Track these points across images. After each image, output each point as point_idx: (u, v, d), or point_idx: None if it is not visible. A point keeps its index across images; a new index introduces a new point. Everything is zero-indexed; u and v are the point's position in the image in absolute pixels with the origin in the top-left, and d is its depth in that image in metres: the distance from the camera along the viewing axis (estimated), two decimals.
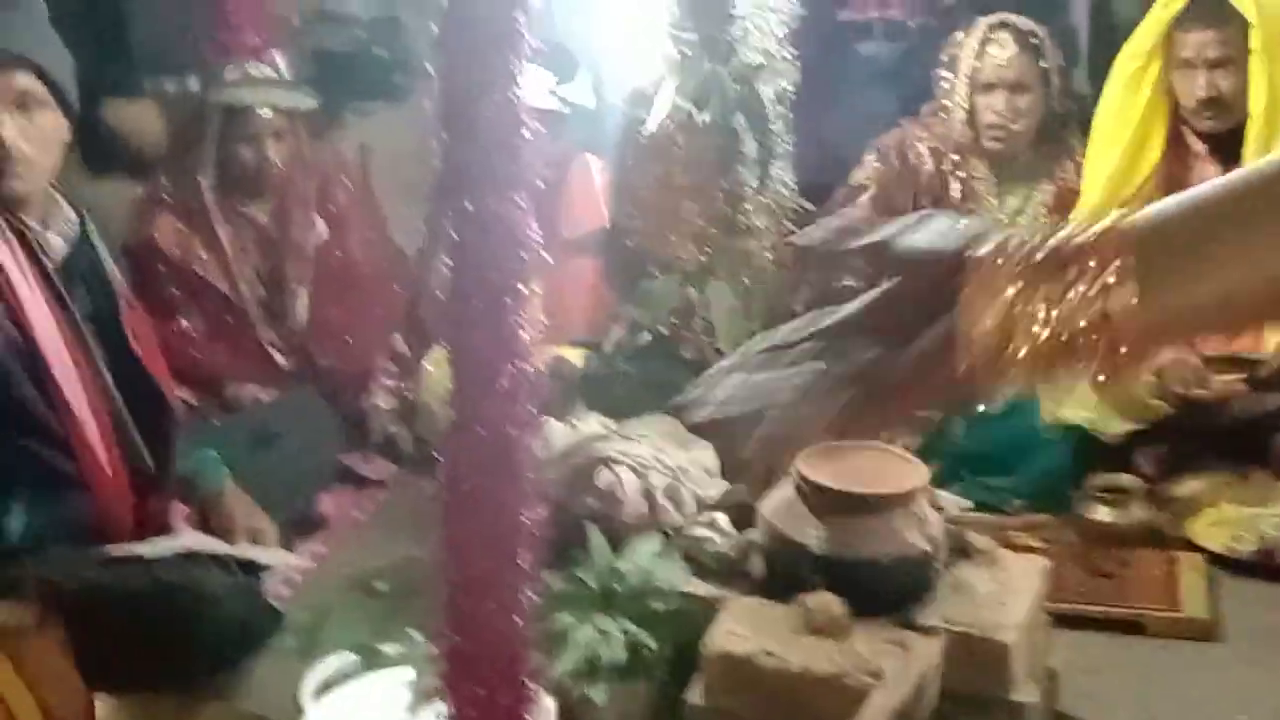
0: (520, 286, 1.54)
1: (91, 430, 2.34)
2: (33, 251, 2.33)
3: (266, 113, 3.12)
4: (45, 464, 2.31)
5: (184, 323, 3.10)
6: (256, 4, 3.31)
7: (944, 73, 3.24)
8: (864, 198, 3.27)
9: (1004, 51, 3.14)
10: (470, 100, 1.47)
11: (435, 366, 3.15)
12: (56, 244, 2.38)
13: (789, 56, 3.38)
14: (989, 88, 3.15)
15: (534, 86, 3.03)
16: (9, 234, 2.31)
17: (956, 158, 3.23)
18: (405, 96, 4.11)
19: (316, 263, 3.26)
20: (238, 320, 3.19)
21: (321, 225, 3.29)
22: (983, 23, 3.20)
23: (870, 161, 3.34)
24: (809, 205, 3.28)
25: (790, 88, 3.39)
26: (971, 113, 3.19)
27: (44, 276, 2.33)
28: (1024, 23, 3.18)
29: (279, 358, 3.22)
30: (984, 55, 3.15)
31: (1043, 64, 3.16)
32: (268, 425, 2.96)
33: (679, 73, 2.35)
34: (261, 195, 3.22)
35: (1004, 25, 3.17)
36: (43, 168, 2.32)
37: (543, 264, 1.74)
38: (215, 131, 3.13)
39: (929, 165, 3.23)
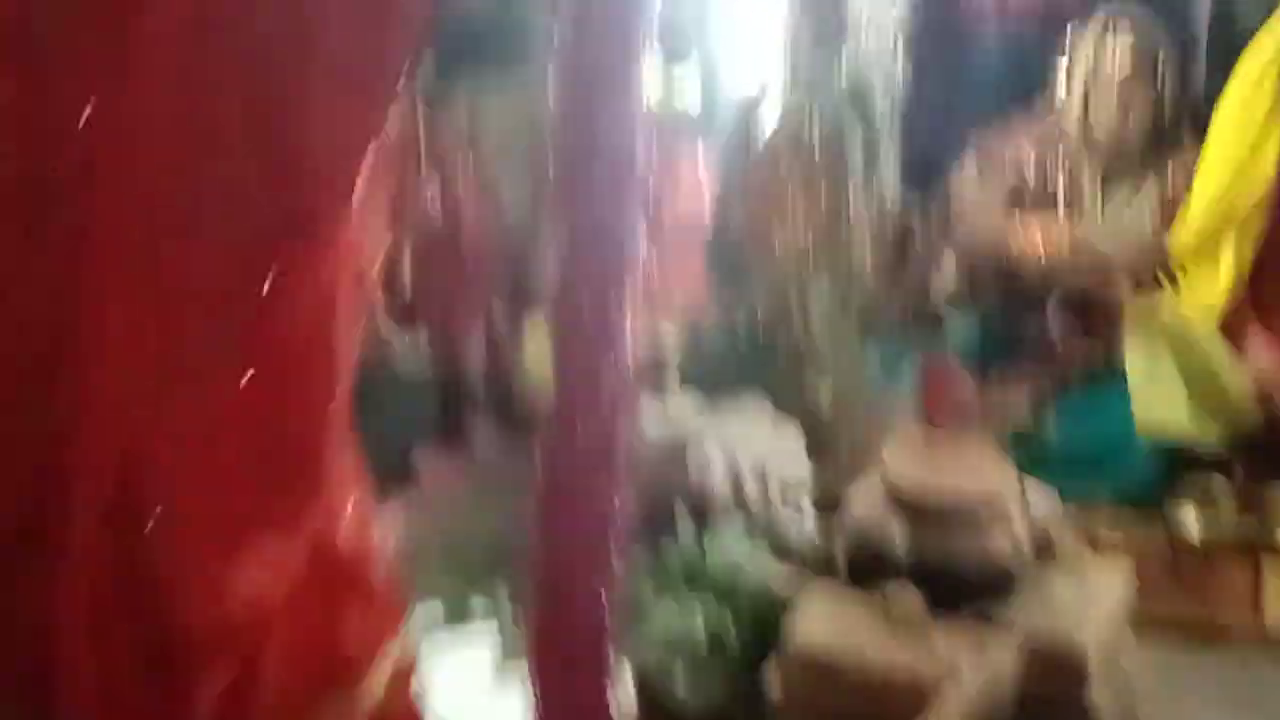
0: (626, 288, 1.60)
1: None
2: None
3: None
4: None
5: None
6: None
7: (1060, 65, 3.22)
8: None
9: (1121, 45, 3.12)
10: (591, 112, 1.53)
11: (535, 334, 3.22)
12: None
13: (901, 58, 3.40)
14: (1104, 80, 3.13)
15: (649, 74, 3.05)
16: None
17: (1062, 153, 3.21)
18: (519, 63, 4.15)
19: (427, 225, 3.34)
20: None
21: (436, 187, 3.37)
22: (1100, 16, 3.18)
23: (970, 163, 3.32)
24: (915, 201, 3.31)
25: (899, 96, 3.41)
26: (1085, 105, 3.17)
27: None
28: (1141, 16, 3.15)
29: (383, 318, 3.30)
30: (1101, 46, 3.13)
31: (1158, 59, 3.12)
32: (367, 377, 3.03)
33: (792, 63, 2.37)
34: None
35: (1121, 18, 3.15)
36: None
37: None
38: None
39: (1030, 162, 3.21)
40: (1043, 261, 3.16)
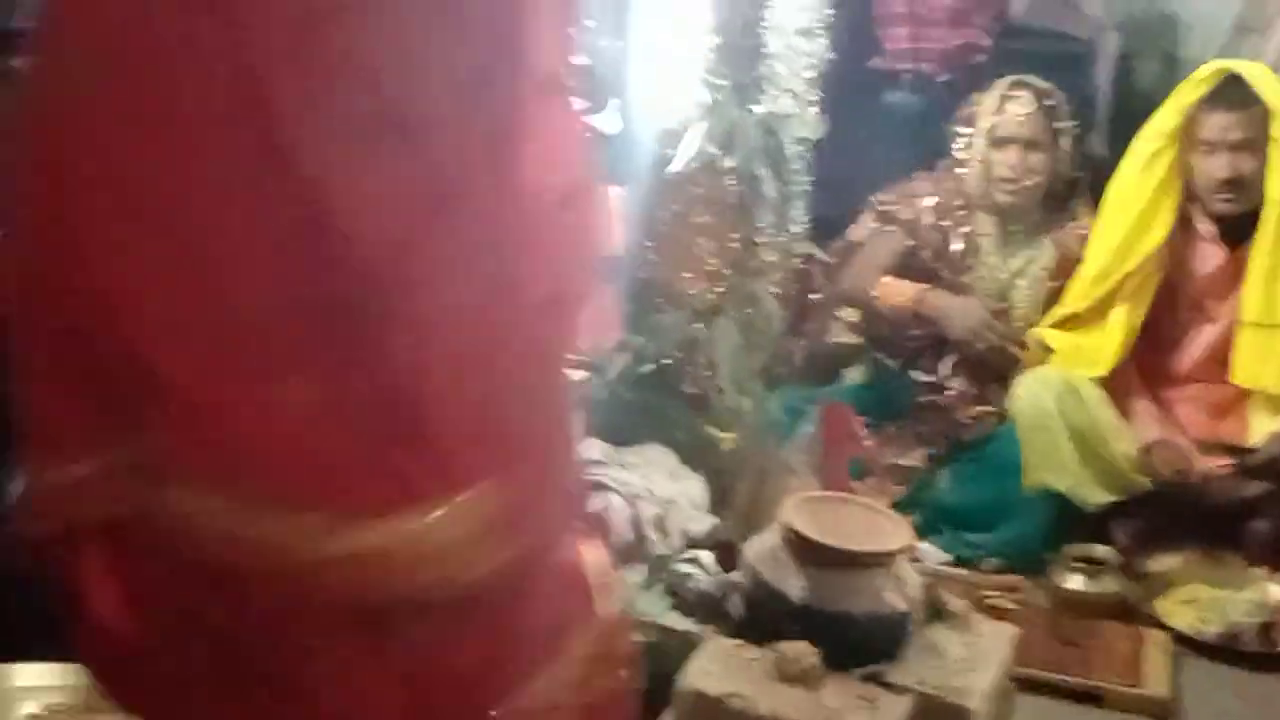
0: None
1: None
2: None
3: None
4: None
5: None
6: None
7: (961, 129, 3.29)
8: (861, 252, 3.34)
9: (1021, 110, 3.20)
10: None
11: None
12: None
13: (815, 101, 3.45)
14: (1004, 143, 3.20)
15: None
16: None
17: (963, 213, 3.28)
18: None
19: None
20: None
21: None
22: (1002, 82, 3.26)
23: (867, 220, 3.39)
24: (819, 253, 3.36)
25: (814, 136, 3.46)
26: (986, 166, 3.24)
27: None
28: (1041, 84, 3.24)
29: None
30: (1002, 111, 3.21)
31: (1056, 125, 3.21)
32: None
33: (708, 116, 2.39)
34: None
35: (1023, 84, 3.23)
36: None
37: None
38: None
39: (928, 220, 3.28)
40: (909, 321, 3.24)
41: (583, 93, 3.06)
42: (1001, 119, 3.20)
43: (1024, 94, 3.21)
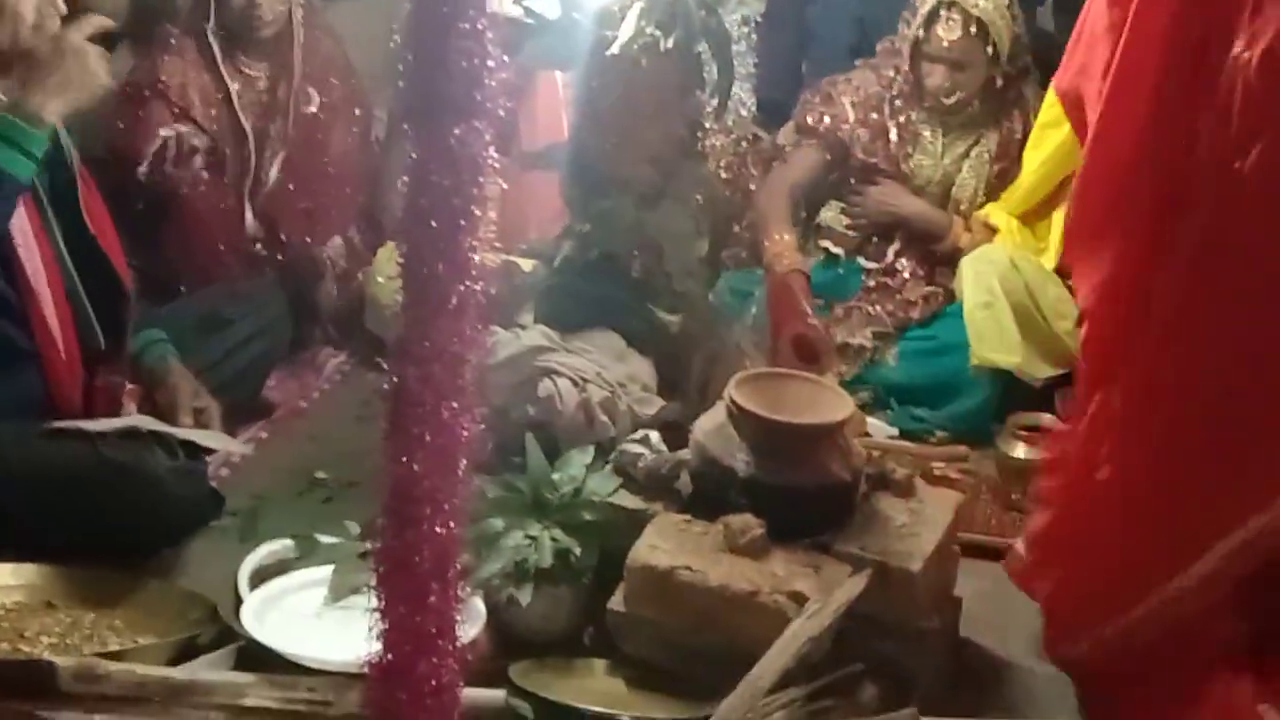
0: (475, 211, 1.60)
1: (48, 305, 2.37)
2: None
3: None
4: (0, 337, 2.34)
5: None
6: None
7: (905, 19, 3.20)
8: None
9: (949, 34, 3.08)
10: (438, 27, 1.52)
11: (385, 262, 3.20)
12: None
13: None
14: (932, 59, 3.14)
15: None
16: None
17: (899, 102, 3.24)
18: None
19: (300, 130, 3.30)
20: (215, 176, 3.23)
21: (316, 96, 3.33)
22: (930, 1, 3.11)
23: (797, 118, 3.35)
24: (763, 133, 3.36)
25: (756, 15, 3.44)
26: (914, 74, 3.18)
27: None
28: (975, 4, 3.06)
29: (249, 219, 3.26)
30: (930, 30, 3.10)
31: (989, 47, 3.09)
32: (219, 310, 3.00)
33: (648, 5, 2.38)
34: (259, 50, 3.26)
35: (954, 5, 3.07)
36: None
37: (500, 177, 1.79)
38: None
39: (854, 118, 3.23)
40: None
41: None
42: (929, 38, 3.11)
43: (954, 17, 3.08)
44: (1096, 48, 1.98)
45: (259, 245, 3.29)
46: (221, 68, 3.23)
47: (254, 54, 3.29)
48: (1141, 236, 1.88)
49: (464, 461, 1.72)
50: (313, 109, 3.33)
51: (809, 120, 3.28)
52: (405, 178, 1.64)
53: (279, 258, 3.30)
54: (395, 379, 1.69)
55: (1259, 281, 1.77)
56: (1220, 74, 1.73)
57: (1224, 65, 1.73)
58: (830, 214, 3.35)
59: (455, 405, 1.67)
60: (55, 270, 2.40)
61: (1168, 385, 1.87)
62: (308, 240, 3.34)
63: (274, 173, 3.27)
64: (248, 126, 3.24)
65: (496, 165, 1.64)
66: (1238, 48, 1.70)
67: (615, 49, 2.40)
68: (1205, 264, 1.79)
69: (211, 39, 3.22)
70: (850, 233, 3.31)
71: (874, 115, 3.24)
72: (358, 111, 3.44)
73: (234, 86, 3.25)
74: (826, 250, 3.33)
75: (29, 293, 2.34)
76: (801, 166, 3.28)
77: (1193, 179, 1.79)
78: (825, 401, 2.23)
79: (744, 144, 3.42)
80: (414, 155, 1.59)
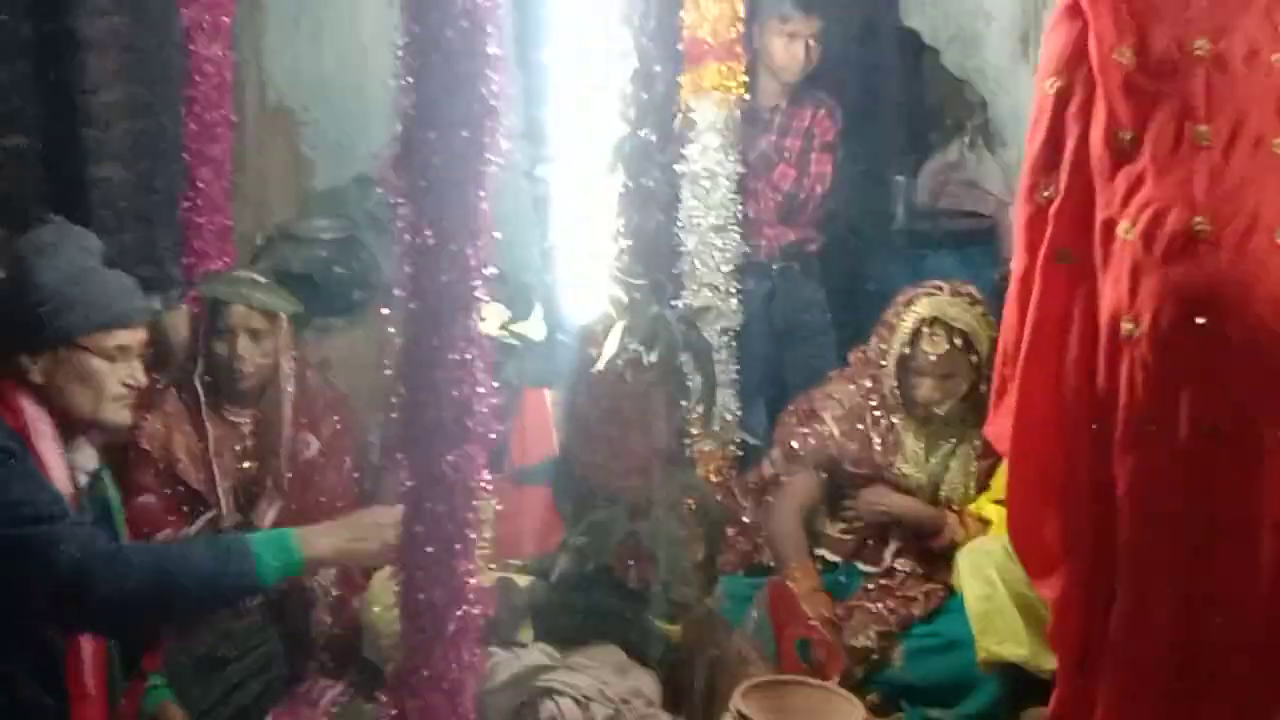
0: (471, 534, 1.62)
1: (88, 650, 2.34)
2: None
3: (241, 309, 3.19)
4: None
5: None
6: (222, 224, 3.42)
7: (880, 334, 3.27)
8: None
9: (935, 349, 3.15)
10: (429, 360, 1.57)
11: (380, 590, 3.16)
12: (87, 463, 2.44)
13: (734, 292, 3.56)
14: (920, 373, 3.19)
15: (490, 323, 3.13)
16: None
17: (879, 412, 3.28)
18: (364, 312, 4.22)
19: (298, 477, 3.28)
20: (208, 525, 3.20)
21: (314, 442, 3.32)
22: (914, 316, 3.19)
23: (776, 450, 3.40)
24: (752, 439, 3.41)
25: (735, 326, 3.55)
26: (901, 387, 3.23)
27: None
28: (957, 318, 3.15)
29: None
30: (916, 347, 3.17)
31: (973, 356, 3.15)
32: (214, 650, 2.96)
33: (627, 314, 2.46)
34: (243, 399, 3.26)
35: (936, 321, 3.15)
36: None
37: (494, 494, 1.79)
38: (202, 330, 3.21)
39: (839, 432, 3.27)
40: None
41: (508, 301, 3.16)
42: (914, 353, 3.17)
43: (938, 332, 3.15)
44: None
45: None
46: (204, 414, 3.21)
47: (239, 402, 3.29)
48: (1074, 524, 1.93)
49: None
50: (310, 454, 3.32)
51: (795, 445, 3.33)
52: (400, 505, 1.66)
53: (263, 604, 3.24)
54: (394, 711, 1.67)
55: (1192, 540, 1.81)
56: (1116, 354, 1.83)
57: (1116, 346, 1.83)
58: (826, 523, 3.36)
59: None
60: None
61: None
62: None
63: (271, 517, 3.24)
64: (217, 475, 3.20)
65: (489, 487, 1.67)
66: (1126, 326, 1.81)
67: (600, 365, 2.46)
68: (1136, 541, 1.84)
69: (198, 386, 3.22)
70: (846, 537, 3.32)
71: (858, 426, 3.27)
72: (354, 442, 3.45)
73: (214, 433, 3.23)
74: (823, 558, 3.32)
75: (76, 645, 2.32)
76: (803, 492, 3.31)
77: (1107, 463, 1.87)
78: (834, 708, 2.18)
79: (731, 447, 3.47)
80: (408, 483, 1.62)
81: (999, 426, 2.16)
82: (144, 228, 3.72)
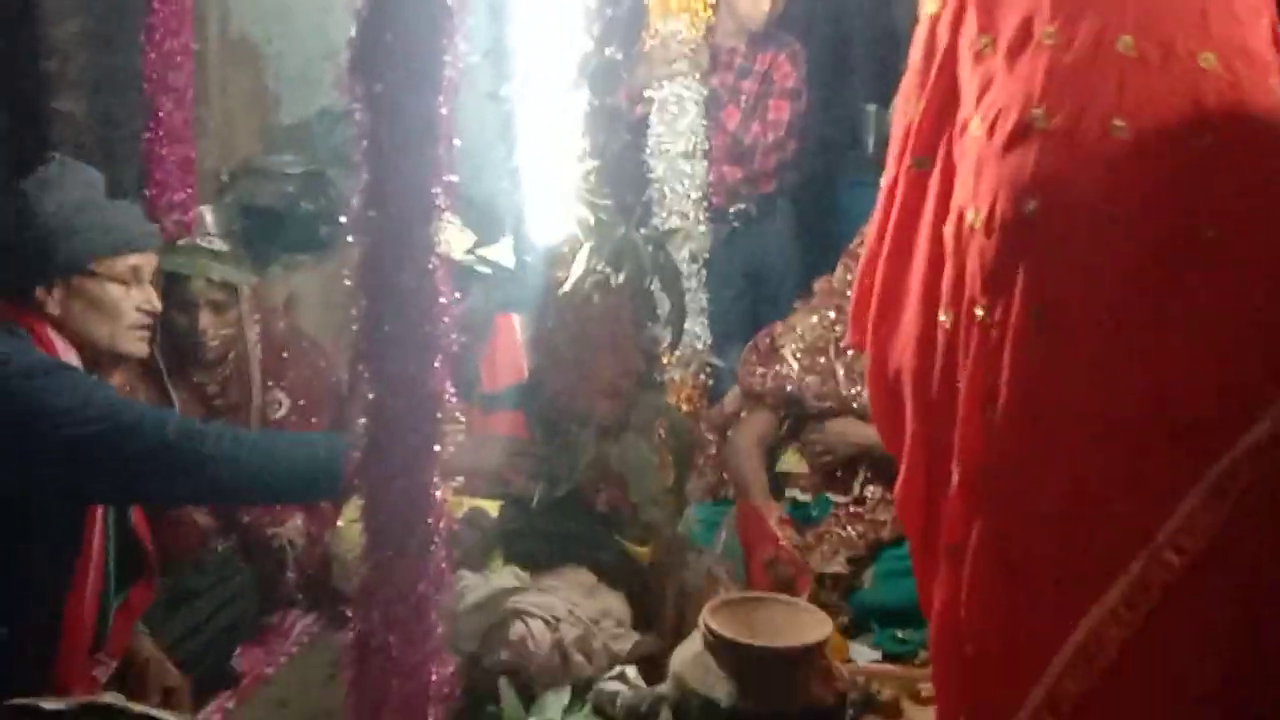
0: (435, 446, 1.61)
1: (90, 586, 2.40)
2: None
3: (200, 283, 3.13)
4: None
5: None
6: (184, 155, 3.37)
7: (845, 263, 3.28)
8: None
9: None
10: (390, 268, 1.55)
11: (349, 518, 3.16)
12: None
13: (703, 219, 3.55)
14: None
15: (457, 246, 3.10)
16: None
17: (843, 342, 3.24)
18: (332, 249, 4.19)
19: None
20: None
21: (285, 400, 3.29)
22: None
23: (741, 382, 3.41)
24: (719, 362, 3.41)
25: (705, 250, 3.54)
26: None
27: None
28: None
29: (203, 519, 3.19)
30: None
31: None
32: (184, 583, 2.96)
33: (594, 235, 2.44)
34: (207, 366, 3.21)
35: None
36: None
37: (463, 418, 1.77)
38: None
39: (799, 368, 3.28)
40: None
41: (475, 226, 3.13)
42: None
43: None
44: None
45: (212, 537, 3.20)
46: (166, 381, 3.16)
47: (205, 367, 3.22)
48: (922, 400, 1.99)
49: (435, 708, 1.66)
50: (280, 414, 3.29)
51: (754, 385, 3.33)
52: (363, 419, 1.64)
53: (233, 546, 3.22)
54: (359, 626, 1.65)
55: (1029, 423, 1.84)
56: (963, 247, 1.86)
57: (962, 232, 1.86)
58: (792, 459, 3.36)
59: (423, 648, 1.63)
60: (102, 550, 2.44)
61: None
62: (266, 532, 3.26)
63: None
64: None
65: (455, 400, 1.65)
66: (969, 217, 1.84)
67: (567, 287, 2.44)
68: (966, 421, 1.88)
69: (158, 356, 3.15)
70: (814, 475, 3.33)
71: (820, 359, 3.29)
72: (325, 389, 3.42)
73: (180, 397, 3.18)
74: (794, 500, 3.33)
75: (83, 570, 2.36)
76: (758, 430, 3.34)
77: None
78: (803, 623, 2.19)
79: (702, 376, 3.47)
80: (370, 395, 1.60)
81: (858, 336, 2.19)
82: (108, 163, 3.68)
